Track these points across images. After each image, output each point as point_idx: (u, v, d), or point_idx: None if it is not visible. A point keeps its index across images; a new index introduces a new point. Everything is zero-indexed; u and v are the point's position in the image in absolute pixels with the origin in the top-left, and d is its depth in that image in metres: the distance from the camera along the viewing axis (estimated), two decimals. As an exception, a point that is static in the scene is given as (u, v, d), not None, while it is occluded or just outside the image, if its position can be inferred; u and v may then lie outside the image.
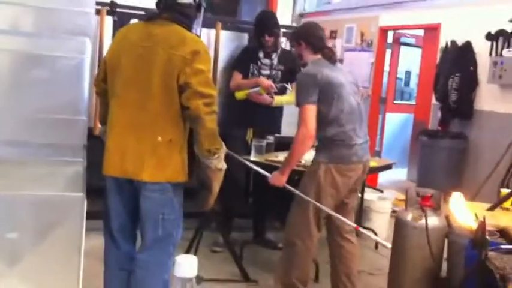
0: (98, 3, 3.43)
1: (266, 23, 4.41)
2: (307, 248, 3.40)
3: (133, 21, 4.19)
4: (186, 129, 2.73)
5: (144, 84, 2.63)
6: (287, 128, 4.59)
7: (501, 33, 6.01)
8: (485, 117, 6.32)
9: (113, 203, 2.83)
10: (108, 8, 4.18)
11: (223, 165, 2.74)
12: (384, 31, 7.93)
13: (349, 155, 3.33)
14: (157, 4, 2.76)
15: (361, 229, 3.60)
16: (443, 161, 6.42)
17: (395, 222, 3.50)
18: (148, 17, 2.76)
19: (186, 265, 1.03)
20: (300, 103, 3.28)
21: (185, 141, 2.73)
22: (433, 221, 3.26)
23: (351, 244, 3.54)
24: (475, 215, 2.86)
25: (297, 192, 3.40)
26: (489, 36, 6.14)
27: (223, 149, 2.74)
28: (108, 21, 4.18)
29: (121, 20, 4.20)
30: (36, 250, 2.64)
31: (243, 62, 4.47)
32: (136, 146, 2.65)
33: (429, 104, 7.16)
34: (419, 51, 8.47)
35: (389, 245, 3.44)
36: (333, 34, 8.45)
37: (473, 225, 2.81)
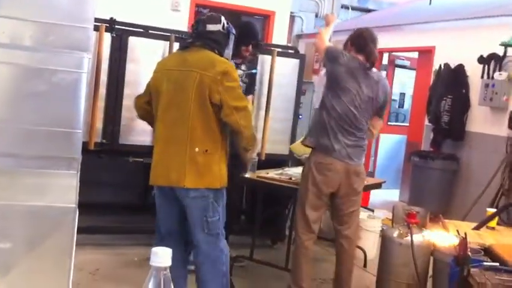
0: (97, 20, 3.50)
1: (250, 33, 4.34)
2: (300, 243, 3.61)
3: (132, 38, 4.34)
4: (223, 141, 3.10)
5: (181, 104, 3.02)
6: (272, 146, 4.66)
7: (493, 56, 6.13)
8: (476, 139, 6.42)
9: (161, 211, 3.21)
10: (107, 24, 4.26)
11: (254, 154, 3.34)
12: (379, 53, 8.02)
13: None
14: (191, 33, 3.23)
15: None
16: (435, 182, 6.49)
17: (382, 238, 3.58)
18: (184, 46, 3.23)
19: (161, 255, 1.10)
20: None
21: (222, 153, 3.10)
22: (418, 237, 3.34)
23: (343, 248, 3.70)
24: (457, 232, 2.94)
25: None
26: (481, 60, 6.26)
27: (256, 144, 3.25)
28: (107, 37, 4.25)
29: (119, 36, 4.29)
30: (27, 260, 2.68)
31: None
32: (178, 158, 3.02)
33: (422, 125, 7.25)
34: (413, 73, 8.59)
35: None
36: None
37: (456, 242, 2.88)
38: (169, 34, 4.44)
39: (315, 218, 3.59)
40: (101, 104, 4.25)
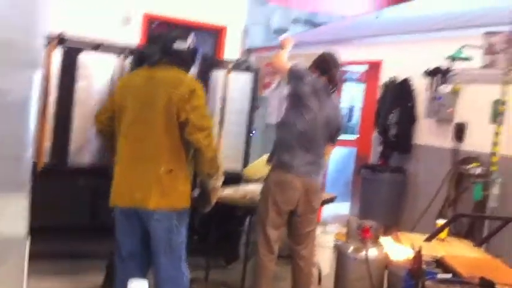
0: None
1: None
2: (261, 264, 3.63)
3: (83, 53, 4.24)
4: (187, 161, 3.06)
5: (148, 121, 3.00)
6: (225, 162, 4.62)
7: (438, 70, 6.32)
8: (422, 151, 6.58)
9: (121, 233, 3.13)
10: (56, 39, 4.15)
11: (219, 183, 3.18)
12: (328, 66, 8.14)
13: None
14: (158, 50, 3.14)
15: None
16: (384, 195, 6.61)
17: (337, 254, 3.62)
18: (150, 62, 3.15)
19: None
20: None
21: (187, 172, 3.07)
22: (373, 252, 3.39)
23: (300, 267, 3.74)
24: (412, 245, 2.99)
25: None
26: (427, 73, 6.45)
27: (221, 171, 3.16)
28: (56, 53, 4.15)
29: (69, 52, 4.19)
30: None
31: None
32: (143, 177, 2.98)
33: (370, 138, 7.39)
34: (361, 86, 8.75)
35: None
36: (280, 68, 8.60)
37: (411, 255, 2.94)
38: (122, 49, 4.37)
39: (276, 237, 3.61)
40: (49, 123, 4.13)
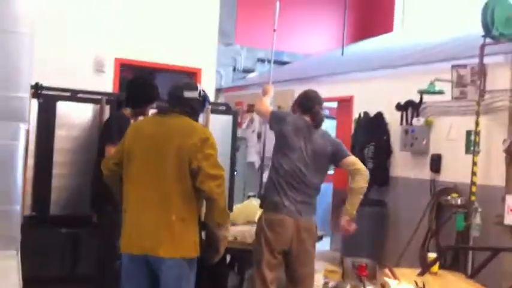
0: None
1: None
2: None
3: (60, 103, 4.18)
4: (198, 208, 3.05)
5: (159, 169, 2.98)
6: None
7: (410, 103, 6.44)
8: (400, 183, 6.64)
9: (129, 281, 3.06)
10: (33, 90, 4.06)
11: (228, 233, 3.18)
12: (298, 104, 8.21)
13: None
14: (168, 99, 3.19)
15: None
16: (365, 228, 6.56)
17: (335, 294, 3.56)
18: (161, 111, 3.20)
19: None
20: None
21: (197, 221, 3.04)
22: (372, 290, 3.35)
23: None
24: (415, 282, 2.97)
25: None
26: (399, 107, 6.56)
27: (230, 220, 3.18)
28: (33, 104, 4.05)
29: (47, 102, 4.11)
30: None
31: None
32: (153, 224, 2.95)
33: (347, 173, 7.40)
34: (333, 122, 8.82)
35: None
36: (251, 107, 8.66)
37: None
38: (99, 97, 4.32)
39: (272, 278, 3.55)
40: (29, 174, 4.02)
